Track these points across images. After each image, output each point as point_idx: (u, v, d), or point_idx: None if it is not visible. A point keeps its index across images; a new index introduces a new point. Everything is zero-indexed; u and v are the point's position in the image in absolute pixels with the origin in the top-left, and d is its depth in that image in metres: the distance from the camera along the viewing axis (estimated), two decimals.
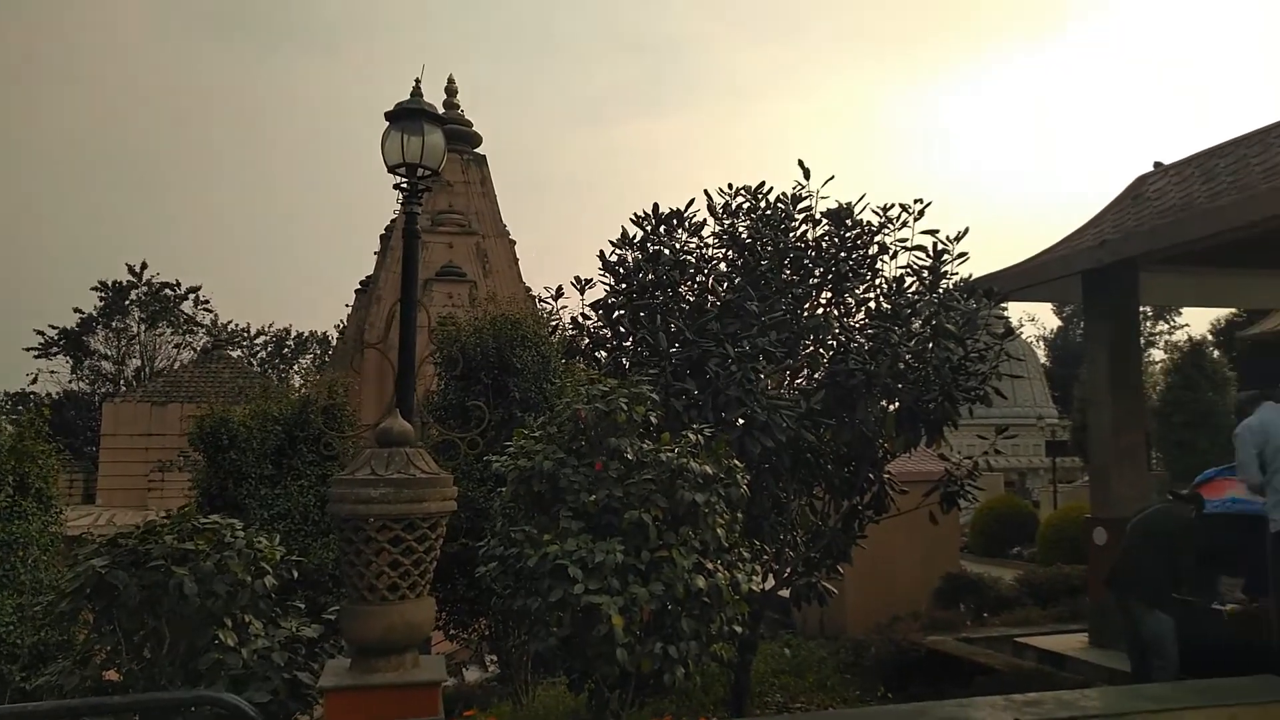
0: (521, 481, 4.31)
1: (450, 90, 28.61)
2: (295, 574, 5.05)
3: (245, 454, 9.57)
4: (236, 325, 47.54)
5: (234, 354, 37.34)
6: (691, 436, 4.38)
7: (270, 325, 50.83)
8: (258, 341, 49.52)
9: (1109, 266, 8.56)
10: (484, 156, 29.10)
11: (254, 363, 45.89)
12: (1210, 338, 39.07)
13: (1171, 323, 43.99)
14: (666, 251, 7.15)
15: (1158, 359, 40.32)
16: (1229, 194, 7.67)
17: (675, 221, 7.30)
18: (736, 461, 4.62)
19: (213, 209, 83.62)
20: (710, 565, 4.02)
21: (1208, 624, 7.02)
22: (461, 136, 27.90)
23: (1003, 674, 8.37)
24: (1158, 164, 9.43)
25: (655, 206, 7.28)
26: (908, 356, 6.97)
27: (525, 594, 4.07)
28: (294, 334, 51.38)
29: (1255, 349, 35.52)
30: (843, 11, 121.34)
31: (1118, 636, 7.66)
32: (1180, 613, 6.80)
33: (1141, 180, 9.43)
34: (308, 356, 51.10)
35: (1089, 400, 9.50)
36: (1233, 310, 34.93)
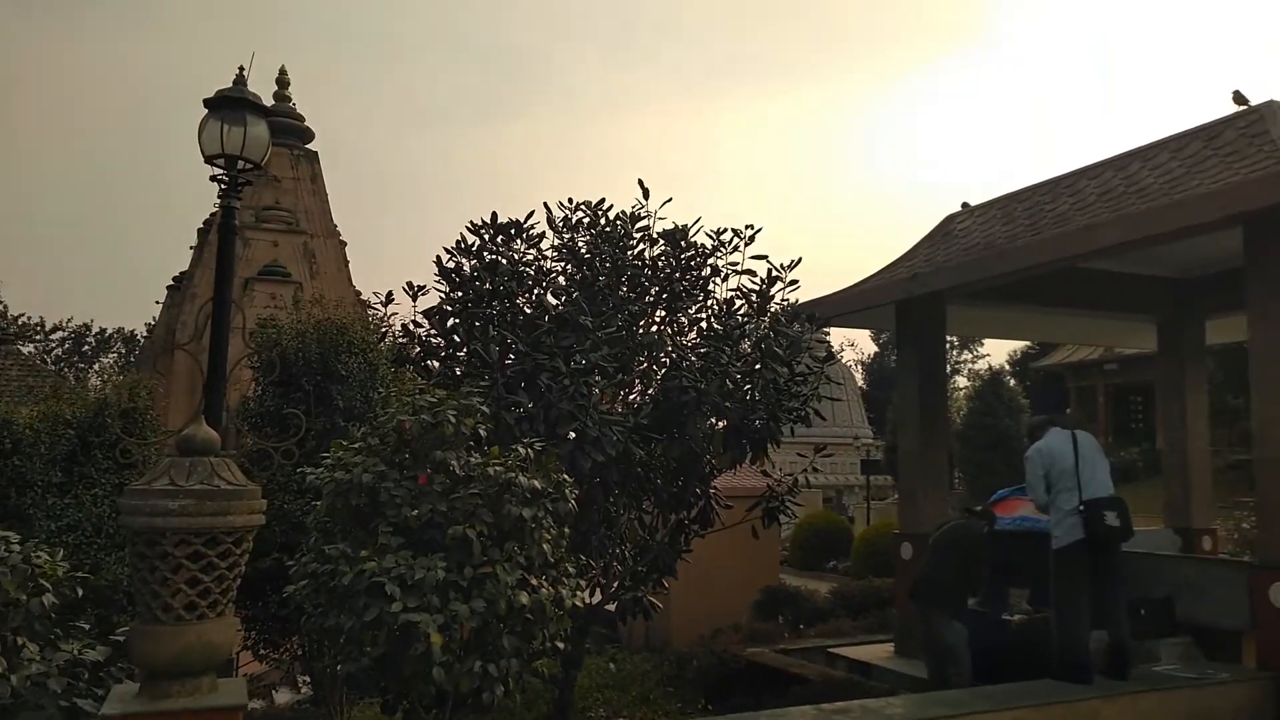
0: (338, 495, 4.12)
1: (282, 81, 27.34)
2: (81, 591, 4.62)
3: (31, 460, 8.72)
4: (29, 319, 43.46)
5: (25, 350, 34.08)
6: (521, 450, 4.32)
7: (69, 320, 46.80)
8: (54, 337, 45.45)
9: (919, 298, 9.15)
10: (316, 153, 27.94)
11: (48, 360, 42.04)
12: (1008, 367, 42.50)
13: (974, 352, 47.57)
14: (504, 262, 7.08)
15: (961, 385, 43.49)
16: (1024, 236, 8.37)
17: (514, 232, 7.24)
18: (566, 476, 4.59)
19: (10, 194, 76.27)
20: (535, 581, 3.97)
21: (998, 633, 7.55)
22: (292, 130, 26.70)
23: (816, 684, 8.71)
24: (965, 205, 10.19)
25: (494, 215, 7.20)
26: (737, 376, 7.19)
27: (338, 612, 3.88)
28: (96, 331, 47.51)
29: (1045, 379, 38.96)
30: (688, 36, 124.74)
31: (920, 646, 8.13)
32: (973, 622, 7.29)
33: (950, 219, 10.15)
34: (111, 355, 47.34)
35: (899, 422, 10.07)
36: (1027, 343, 38.20)
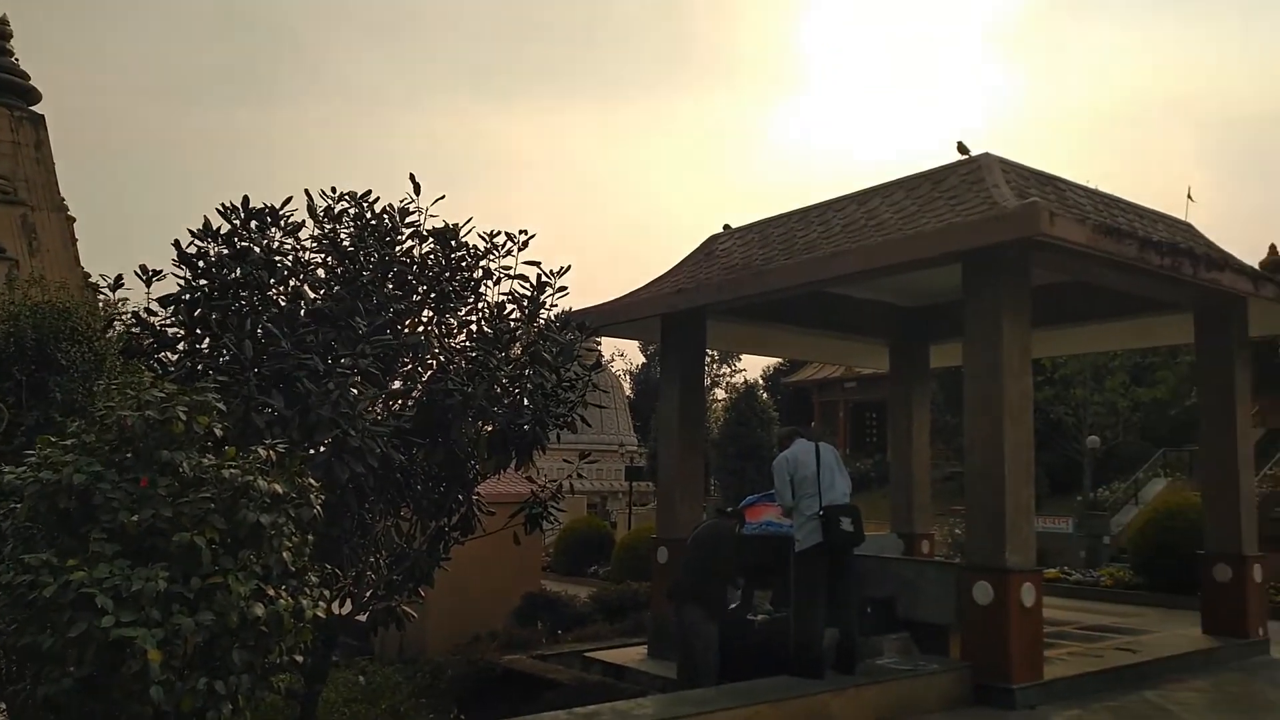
0: (43, 497, 3.65)
1: (3, 33, 24.16)
2: None
3: None
4: None
5: None
6: (262, 452, 4.03)
7: None
8: None
9: (683, 312, 9.52)
10: (42, 117, 24.89)
11: None
12: (762, 382, 45.09)
13: (733, 366, 50.10)
14: (257, 250, 6.61)
15: (720, 397, 45.69)
16: (778, 260, 8.94)
17: (270, 218, 6.78)
18: (313, 480, 4.34)
19: None
20: (272, 592, 3.71)
21: (744, 633, 7.96)
22: (12, 88, 23.67)
23: (570, 688, 8.80)
24: (726, 226, 10.73)
25: (245, 199, 6.70)
26: (505, 381, 7.12)
27: (38, 629, 3.44)
28: None
29: (794, 393, 41.73)
30: (473, 36, 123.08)
31: (672, 647, 8.42)
32: (722, 622, 7.65)
33: (713, 239, 10.66)
34: None
35: (661, 430, 10.40)
36: (780, 360, 40.77)
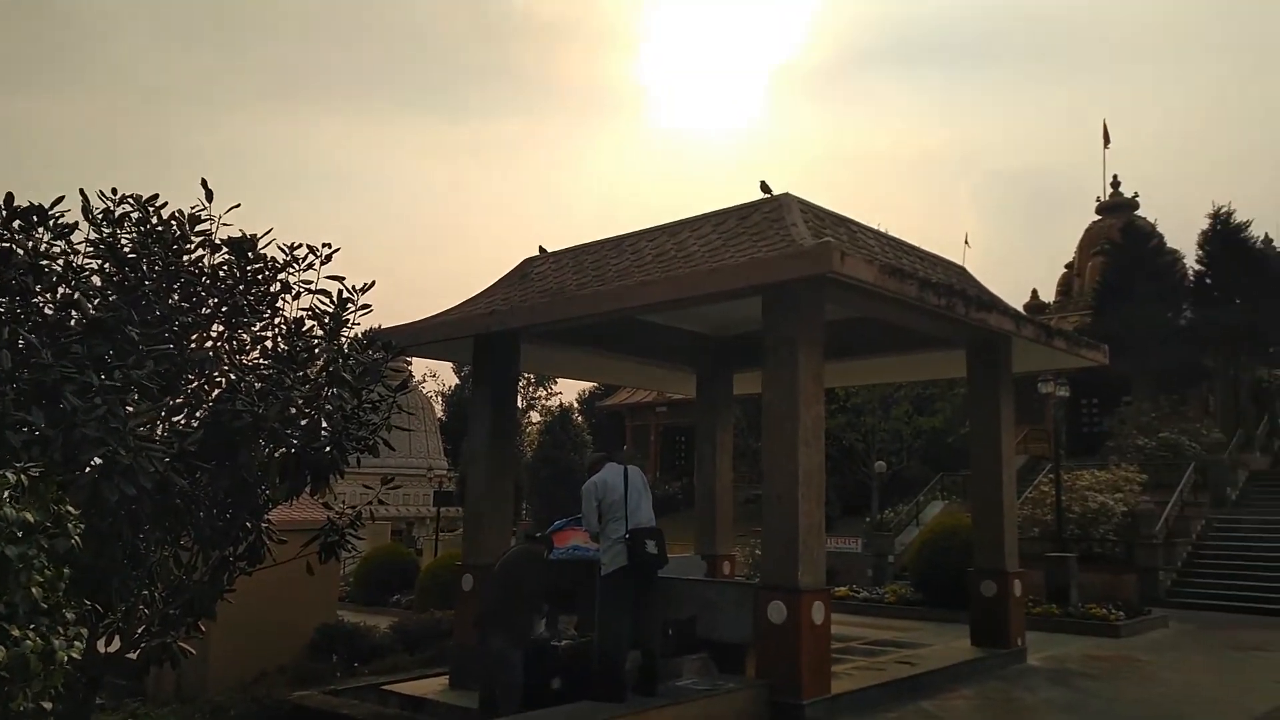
0: None
1: None
2: None
3: None
4: None
5: None
6: (11, 477, 3.62)
7: None
8: None
9: (496, 334, 9.44)
10: None
11: None
12: (577, 405, 45.33)
13: (548, 390, 50.08)
14: (21, 252, 5.99)
15: (535, 420, 45.55)
16: (591, 286, 9.05)
17: (36, 218, 6.16)
18: (71, 508, 3.94)
19: None
20: (17, 632, 3.33)
21: (548, 658, 7.90)
22: None
23: None
24: (542, 250, 10.77)
25: (9, 196, 6.07)
26: (300, 401, 6.77)
27: None
28: None
29: (606, 417, 42.19)
30: (278, 36, 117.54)
31: (475, 676, 8.24)
32: (527, 648, 7.57)
33: (529, 262, 10.66)
34: None
35: (470, 454, 10.23)
36: (594, 384, 41.19)
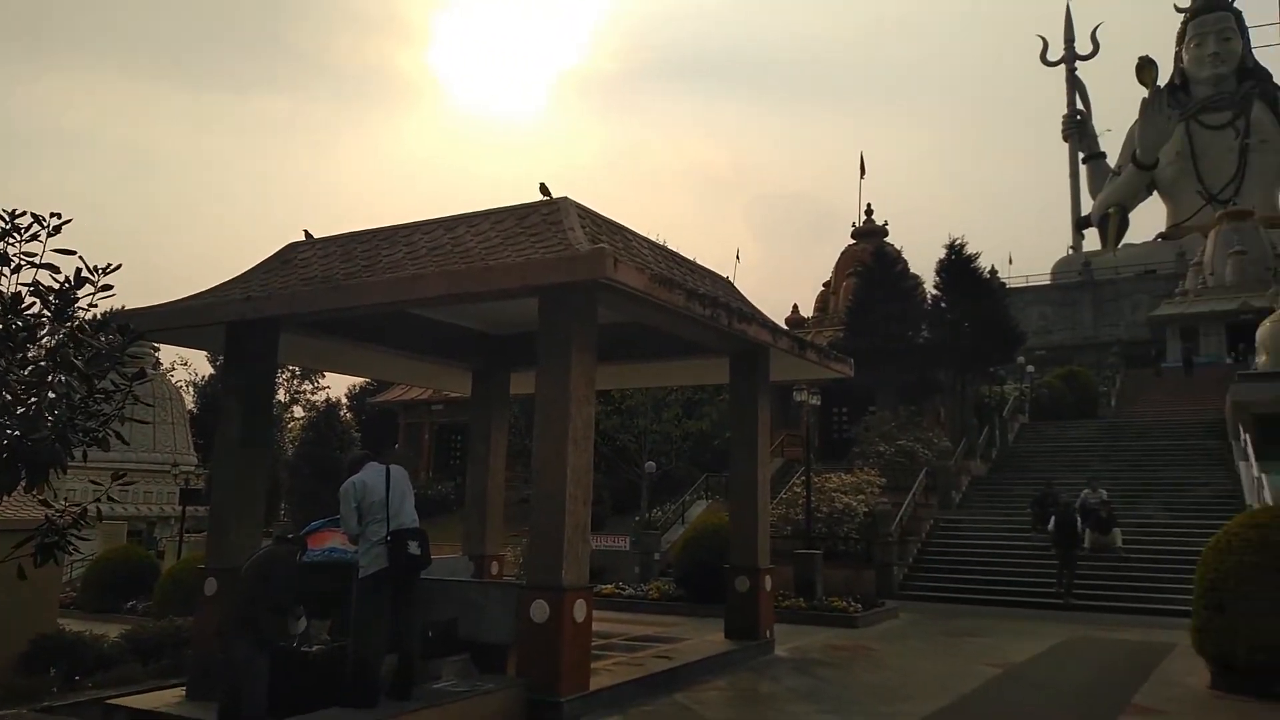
0: None
1: None
2: None
3: None
4: None
5: None
6: None
7: None
8: None
9: (253, 322, 8.87)
10: None
11: None
12: (346, 401, 43.47)
13: (316, 383, 47.66)
14: None
15: (299, 415, 43.18)
16: (361, 275, 8.72)
17: None
18: None
19: None
20: None
21: (299, 665, 7.51)
22: None
23: None
24: (307, 234, 10.23)
25: None
26: (19, 388, 6.05)
27: None
28: None
29: (378, 414, 40.76)
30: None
31: (216, 686, 7.69)
32: (275, 655, 7.16)
33: (293, 247, 10.10)
34: None
35: (218, 449, 9.56)
36: (366, 379, 39.64)
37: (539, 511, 8.05)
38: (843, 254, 37.24)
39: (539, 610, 7.76)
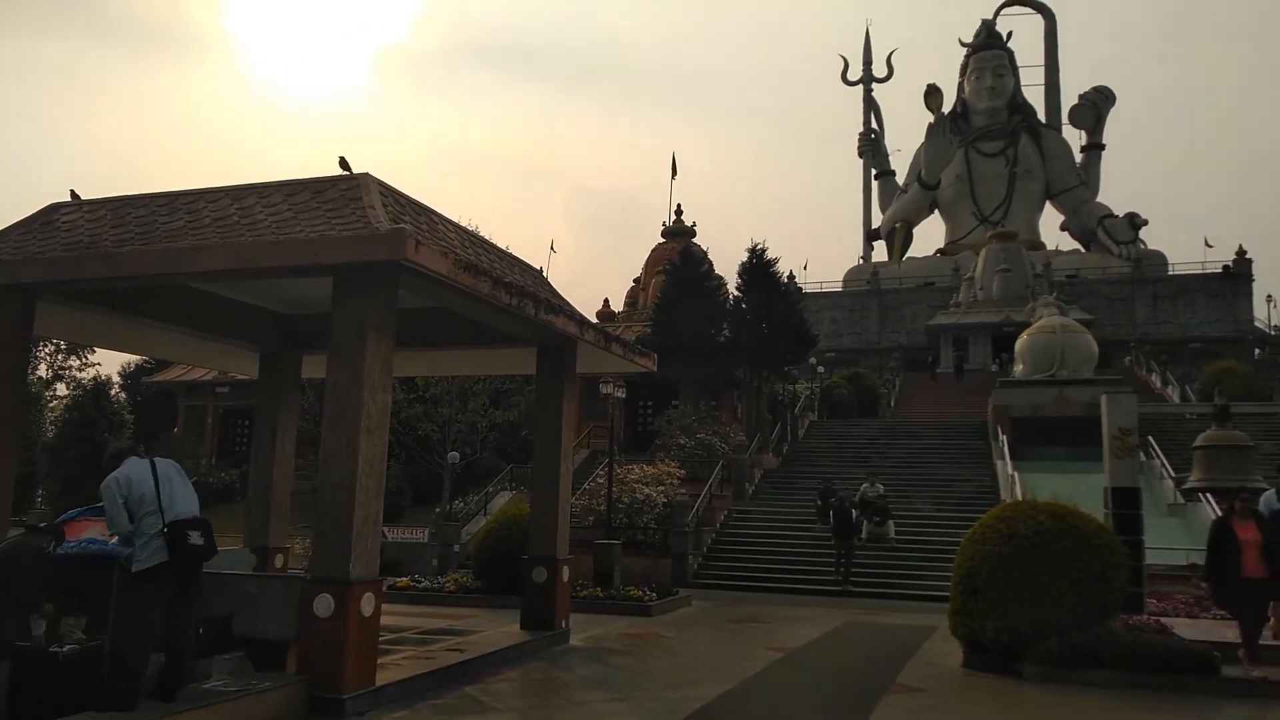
0: None
1: None
2: None
3: None
4: None
5: None
6: None
7: None
8: None
9: (4, 288, 7.95)
10: None
11: None
12: (119, 379, 39.91)
13: (84, 359, 43.44)
14: None
15: (63, 394, 39.22)
16: (135, 244, 7.99)
17: None
18: None
19: None
20: None
21: (46, 667, 6.82)
22: None
23: None
24: (74, 194, 9.28)
25: None
26: None
27: None
28: None
29: (156, 395, 37.72)
30: None
31: None
32: (18, 656, 6.48)
33: (55, 208, 9.12)
34: None
35: None
36: (143, 357, 36.55)
37: (327, 502, 7.70)
38: (653, 252, 38.05)
39: (323, 604, 7.42)
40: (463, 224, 10.76)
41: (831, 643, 12.19)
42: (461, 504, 26.08)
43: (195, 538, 6.58)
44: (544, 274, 12.50)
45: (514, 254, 11.52)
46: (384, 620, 8.94)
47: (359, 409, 7.56)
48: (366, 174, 8.31)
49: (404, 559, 20.68)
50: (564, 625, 11.57)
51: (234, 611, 7.85)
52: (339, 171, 8.42)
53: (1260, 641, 9.16)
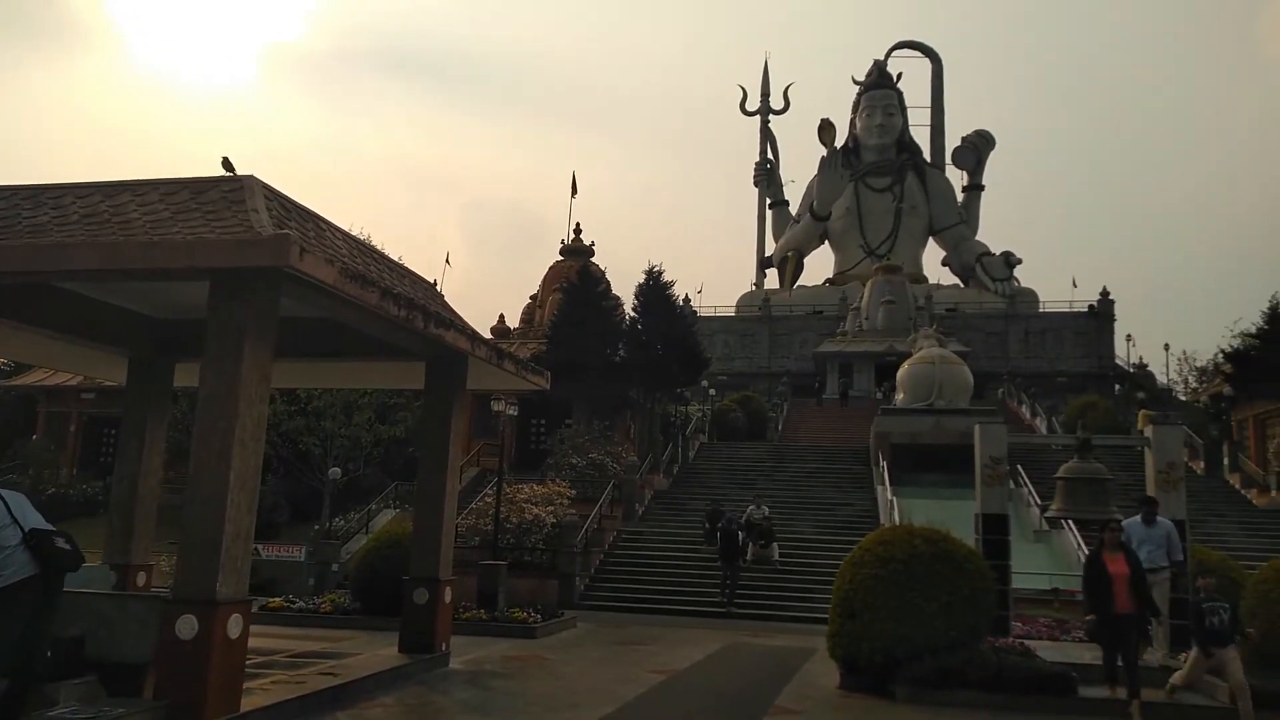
0: None
1: None
2: None
3: None
4: None
5: None
6: None
7: None
8: None
9: None
10: None
11: None
12: None
13: None
14: None
15: None
16: None
17: None
18: None
19: None
20: None
21: None
22: None
23: None
24: None
25: None
26: None
27: None
28: None
29: (15, 400, 35.30)
30: None
31: None
32: None
33: None
34: None
35: None
36: (2, 359, 34.20)
37: (195, 517, 7.33)
38: (551, 269, 37.93)
39: (186, 626, 7.04)
40: (353, 233, 10.48)
41: (714, 665, 12.27)
42: (342, 521, 25.26)
43: (62, 543, 6.17)
44: (438, 287, 12.28)
45: (406, 266, 11.27)
46: (254, 643, 8.54)
47: (233, 421, 7.23)
48: (251, 176, 7.99)
49: (279, 578, 19.87)
50: (444, 648, 11.30)
51: (86, 632, 7.37)
52: (222, 172, 8.08)
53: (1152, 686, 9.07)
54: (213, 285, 7.29)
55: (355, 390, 25.82)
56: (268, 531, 23.97)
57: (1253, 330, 28.56)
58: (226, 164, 8.11)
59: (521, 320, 38.18)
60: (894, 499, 22.93)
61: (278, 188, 8.41)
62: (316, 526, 24.75)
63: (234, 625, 7.24)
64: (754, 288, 70.15)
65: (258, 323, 7.40)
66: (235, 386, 7.24)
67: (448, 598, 11.47)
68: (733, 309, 62.97)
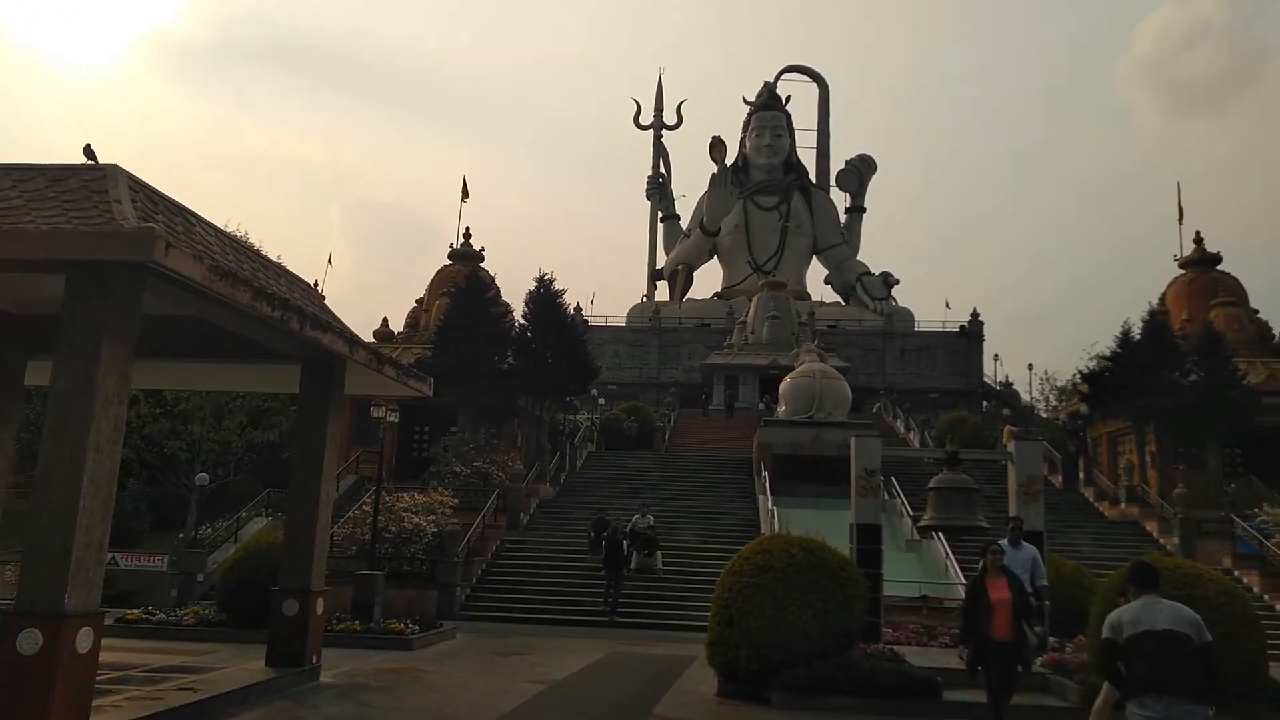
0: None
1: None
2: None
3: None
4: None
5: None
6: None
7: None
8: None
9: None
10: None
11: None
12: None
13: None
14: None
15: None
16: None
17: None
18: None
19: None
20: None
21: None
22: None
23: None
24: None
25: None
26: None
27: None
28: None
29: None
30: None
31: None
32: None
33: None
34: None
35: None
36: None
37: (41, 525, 6.86)
38: (438, 273, 37.25)
39: (29, 640, 6.57)
40: (227, 229, 10.05)
41: (594, 674, 12.24)
42: (210, 530, 24.10)
43: None
44: (319, 288, 11.89)
45: (284, 265, 10.87)
46: (109, 657, 8.07)
47: (87, 423, 6.81)
48: (115, 165, 7.56)
49: (139, 589, 18.86)
50: (315, 661, 10.90)
51: None
52: (84, 160, 7.62)
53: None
54: (69, 279, 6.85)
55: (227, 393, 24.74)
56: (127, 539, 22.68)
57: (1107, 353, 30.40)
58: (88, 152, 7.64)
59: (406, 324, 37.35)
60: (774, 508, 23.41)
61: (147, 180, 8.00)
62: (181, 535, 23.55)
63: (83, 639, 6.80)
64: (645, 299, 70.64)
65: (118, 320, 6.99)
66: (91, 386, 6.82)
67: (320, 609, 11.08)
68: (624, 319, 63.26)
